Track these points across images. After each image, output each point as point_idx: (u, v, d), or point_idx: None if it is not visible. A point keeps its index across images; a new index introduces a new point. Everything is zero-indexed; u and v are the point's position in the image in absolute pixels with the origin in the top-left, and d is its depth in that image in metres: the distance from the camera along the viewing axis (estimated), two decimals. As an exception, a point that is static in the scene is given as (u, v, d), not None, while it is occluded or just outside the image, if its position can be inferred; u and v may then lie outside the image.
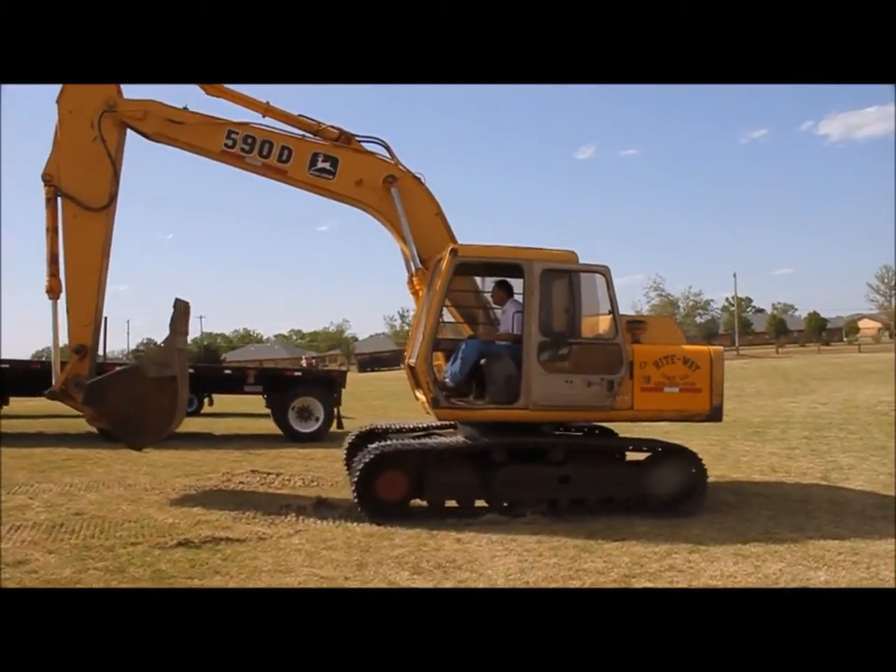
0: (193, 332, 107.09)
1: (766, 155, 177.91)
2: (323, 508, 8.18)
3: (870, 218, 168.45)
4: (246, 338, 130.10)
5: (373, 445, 7.88)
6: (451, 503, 7.99)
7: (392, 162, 9.00)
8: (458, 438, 8.10)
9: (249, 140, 8.72)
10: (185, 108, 8.72)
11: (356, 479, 7.68)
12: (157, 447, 12.47)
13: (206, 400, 17.76)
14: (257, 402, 16.19)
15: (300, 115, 9.05)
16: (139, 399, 8.44)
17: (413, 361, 8.34)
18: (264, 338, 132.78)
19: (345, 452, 9.54)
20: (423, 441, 8.12)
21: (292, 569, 6.04)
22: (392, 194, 8.77)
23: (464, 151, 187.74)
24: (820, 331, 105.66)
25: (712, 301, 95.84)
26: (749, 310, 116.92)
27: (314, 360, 65.88)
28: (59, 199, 8.48)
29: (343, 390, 15.72)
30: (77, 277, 8.51)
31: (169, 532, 7.14)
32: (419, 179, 9.02)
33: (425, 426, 9.27)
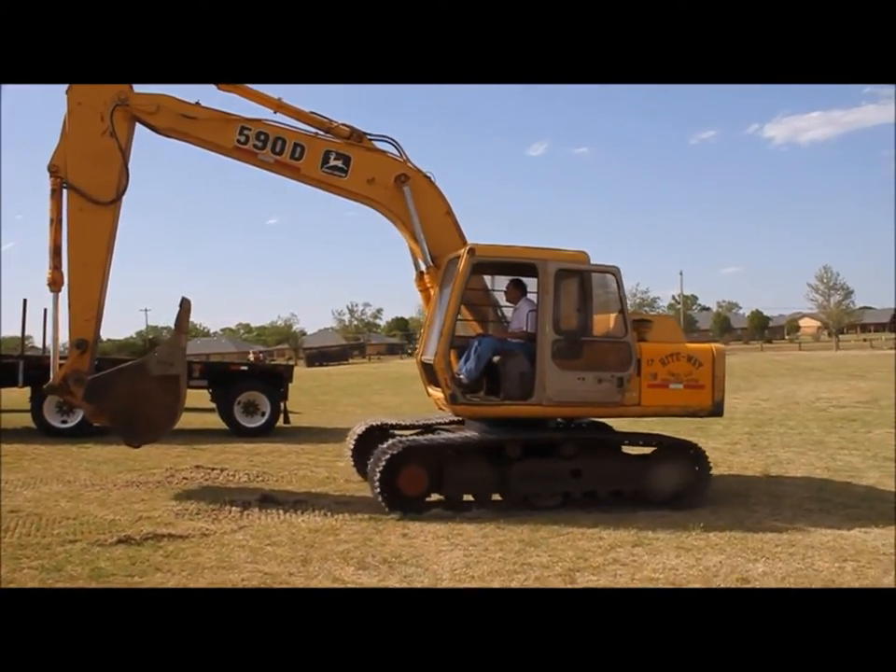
0: (138, 325, 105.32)
1: (715, 156, 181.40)
2: (268, 503, 8.10)
3: (811, 220, 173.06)
4: (193, 331, 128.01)
5: (394, 440, 7.97)
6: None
7: (402, 161, 9.00)
8: (475, 433, 8.20)
9: (262, 136, 8.62)
10: (197, 103, 8.56)
11: (379, 473, 7.66)
12: (99, 442, 12.28)
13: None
14: (202, 396, 15.95)
15: (311, 112, 8.98)
16: (142, 396, 8.26)
17: (429, 358, 8.43)
18: (211, 332, 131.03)
19: (352, 447, 9.54)
20: (444, 436, 8.21)
21: (235, 566, 5.96)
22: (404, 193, 8.80)
23: (414, 148, 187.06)
24: (763, 329, 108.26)
25: (659, 298, 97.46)
26: (694, 308, 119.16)
27: (261, 354, 65.24)
28: (64, 191, 8.24)
29: (290, 385, 15.60)
30: (81, 271, 8.27)
31: (109, 529, 6.99)
32: (430, 178, 9.05)
33: (429, 421, 9.44)
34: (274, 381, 15.43)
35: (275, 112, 8.86)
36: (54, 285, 8.28)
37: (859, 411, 17.08)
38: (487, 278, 9.32)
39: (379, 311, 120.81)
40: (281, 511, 7.79)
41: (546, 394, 7.93)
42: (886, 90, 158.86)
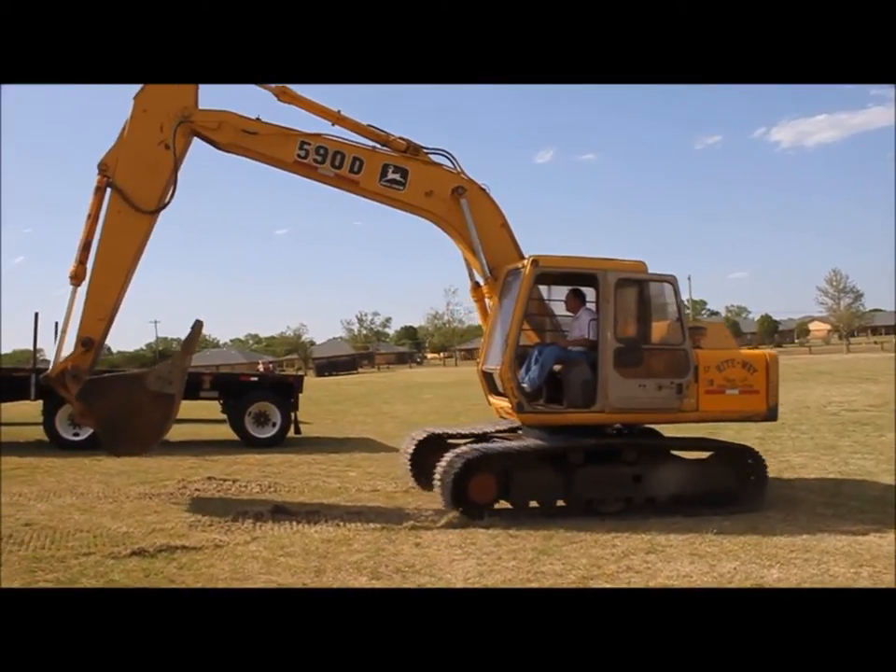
0: (148, 337, 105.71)
1: (721, 160, 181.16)
2: (280, 514, 8.09)
3: (820, 224, 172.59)
4: (202, 343, 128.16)
5: (465, 448, 8.14)
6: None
7: (458, 173, 9.13)
8: (539, 441, 8.29)
9: (321, 151, 8.75)
10: (258, 119, 8.69)
11: (451, 481, 7.75)
12: (111, 454, 12.29)
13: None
14: (213, 408, 15.99)
15: (368, 125, 9.12)
16: (133, 408, 8.32)
17: (491, 367, 8.61)
18: (220, 343, 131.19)
19: (410, 456, 9.62)
20: (511, 444, 8.32)
21: (249, 577, 5.97)
22: (462, 205, 8.93)
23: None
24: (773, 333, 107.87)
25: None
26: (703, 313, 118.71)
27: (270, 365, 65.25)
28: (108, 191, 8.35)
29: (300, 395, 15.61)
30: (105, 271, 8.35)
31: (123, 541, 7.01)
32: (485, 190, 9.17)
33: (484, 430, 9.56)
34: (285, 391, 15.44)
35: (333, 125, 9.00)
36: (75, 278, 8.37)
37: (871, 414, 16.97)
38: (543, 288, 9.42)
39: (388, 320, 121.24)
40: (294, 522, 7.78)
41: (609, 401, 8.09)
42: (891, 92, 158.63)
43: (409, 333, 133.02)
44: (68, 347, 8.45)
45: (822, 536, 7.09)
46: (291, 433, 15.09)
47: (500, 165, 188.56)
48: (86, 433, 13.49)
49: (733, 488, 8.43)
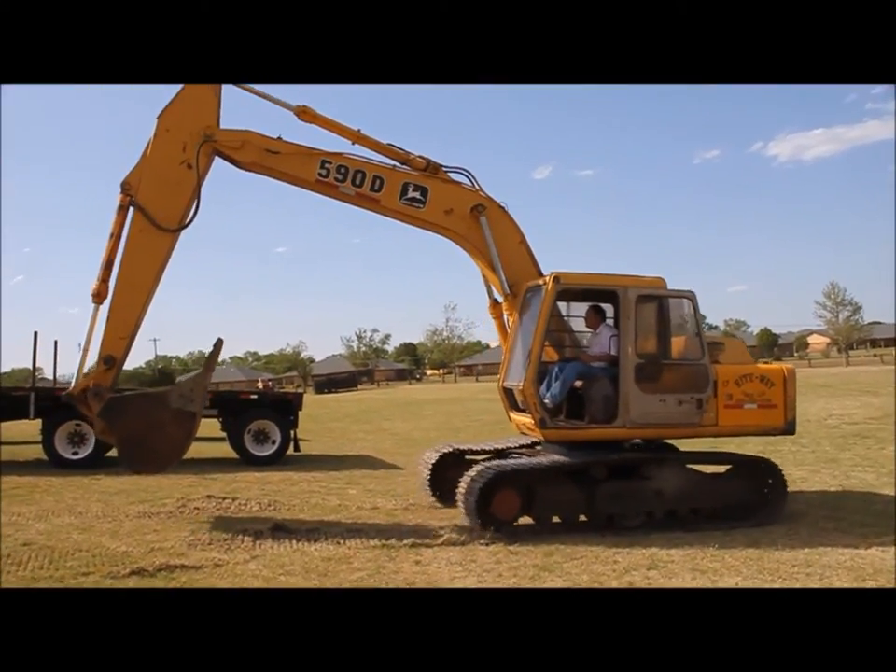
0: (147, 355, 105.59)
1: (719, 175, 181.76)
2: (280, 532, 8.06)
3: (818, 237, 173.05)
4: (201, 360, 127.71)
5: (488, 465, 8.14)
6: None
7: (476, 191, 9.21)
8: (560, 457, 8.32)
9: (342, 170, 8.83)
10: (279, 138, 8.77)
11: (475, 498, 7.75)
12: (110, 473, 12.27)
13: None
14: (212, 425, 15.95)
15: (388, 143, 9.19)
16: (155, 425, 8.34)
17: (512, 384, 8.66)
18: (220, 360, 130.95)
19: (429, 474, 9.62)
20: (535, 460, 8.34)
21: (249, 596, 5.92)
22: (481, 223, 9.02)
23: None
24: (772, 347, 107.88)
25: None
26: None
27: (270, 382, 65.20)
28: (130, 210, 8.41)
29: (299, 412, 15.57)
30: (127, 290, 8.41)
31: (122, 561, 6.97)
32: (504, 208, 9.25)
33: (500, 446, 9.64)
34: (284, 409, 15.40)
35: (353, 143, 9.08)
36: (97, 297, 8.42)
37: (871, 427, 16.93)
38: (561, 304, 9.44)
39: (387, 337, 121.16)
40: (293, 540, 7.76)
41: (630, 416, 8.16)
42: (887, 105, 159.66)
43: (408, 350, 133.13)
44: (89, 365, 8.52)
45: (824, 550, 7.07)
46: (291, 451, 15.04)
47: (499, 181, 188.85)
48: (85, 452, 13.50)
49: (752, 501, 8.47)
